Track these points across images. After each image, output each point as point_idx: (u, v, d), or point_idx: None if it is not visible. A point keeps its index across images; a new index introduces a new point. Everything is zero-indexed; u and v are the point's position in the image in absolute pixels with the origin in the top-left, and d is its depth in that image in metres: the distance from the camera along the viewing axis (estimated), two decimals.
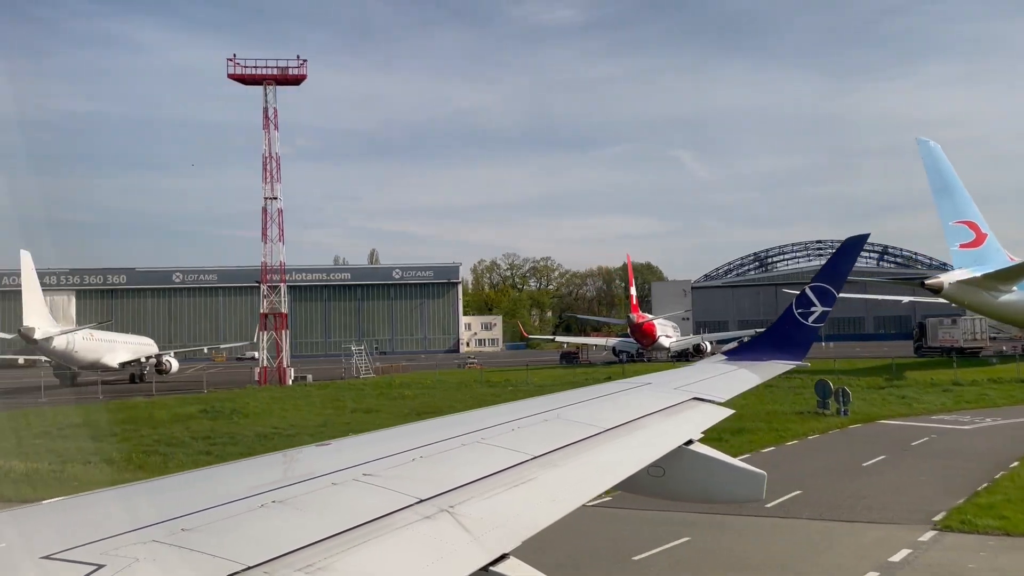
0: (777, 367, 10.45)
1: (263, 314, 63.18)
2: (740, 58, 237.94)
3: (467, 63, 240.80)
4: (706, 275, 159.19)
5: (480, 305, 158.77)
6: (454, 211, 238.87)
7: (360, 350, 68.55)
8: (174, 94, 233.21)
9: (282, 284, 63.60)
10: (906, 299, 72.22)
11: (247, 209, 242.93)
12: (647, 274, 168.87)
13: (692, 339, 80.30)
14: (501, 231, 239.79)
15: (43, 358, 61.24)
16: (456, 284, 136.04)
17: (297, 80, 63.20)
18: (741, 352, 11.48)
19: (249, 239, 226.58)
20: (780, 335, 11.26)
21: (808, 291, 11.17)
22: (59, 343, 55.07)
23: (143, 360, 63.23)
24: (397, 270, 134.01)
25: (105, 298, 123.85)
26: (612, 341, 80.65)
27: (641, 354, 74.97)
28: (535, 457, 4.39)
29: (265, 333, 62.33)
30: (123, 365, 61.79)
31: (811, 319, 11.02)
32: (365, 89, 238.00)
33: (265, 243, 62.27)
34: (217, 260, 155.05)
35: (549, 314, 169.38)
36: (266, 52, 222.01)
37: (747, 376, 9.36)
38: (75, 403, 43.82)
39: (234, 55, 62.28)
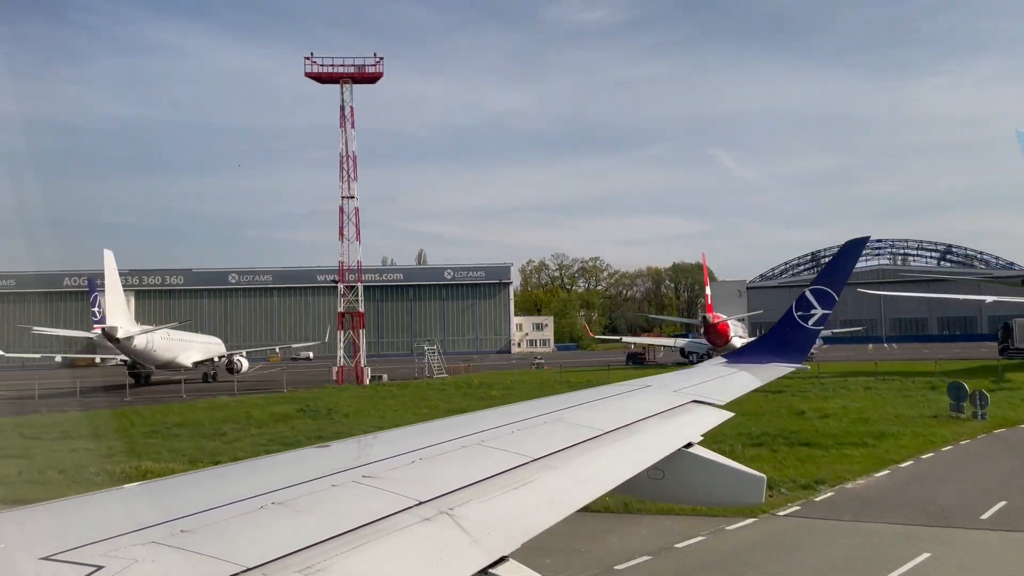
0: (777, 370, 10.45)
1: (340, 313, 62.68)
2: (780, 56, 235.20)
3: (506, 65, 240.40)
4: (761, 275, 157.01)
5: (528, 306, 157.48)
6: (493, 213, 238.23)
7: (433, 349, 67.99)
8: (217, 98, 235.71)
9: (359, 283, 63.00)
10: (989, 299, 68.26)
11: (298, 211, 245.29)
12: (698, 274, 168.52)
13: None
14: (540, 232, 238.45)
15: (118, 358, 61.66)
16: (507, 284, 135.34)
17: (374, 78, 62.46)
18: (741, 355, 11.49)
19: (301, 240, 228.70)
20: (780, 338, 11.27)
21: (808, 294, 11.18)
22: (139, 342, 55.37)
23: (216, 360, 63.37)
24: (448, 270, 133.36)
25: (163, 298, 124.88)
26: (681, 342, 78.32)
27: (711, 355, 72.43)
28: (535, 459, 4.39)
29: (342, 332, 61.78)
30: (196, 364, 61.95)
31: (811, 322, 11.02)
32: (405, 92, 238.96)
33: (342, 242, 61.67)
34: (271, 261, 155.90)
35: (595, 315, 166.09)
36: (303, 56, 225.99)
37: (747, 379, 9.36)
38: (162, 402, 43.79)
39: (311, 53, 61.75)
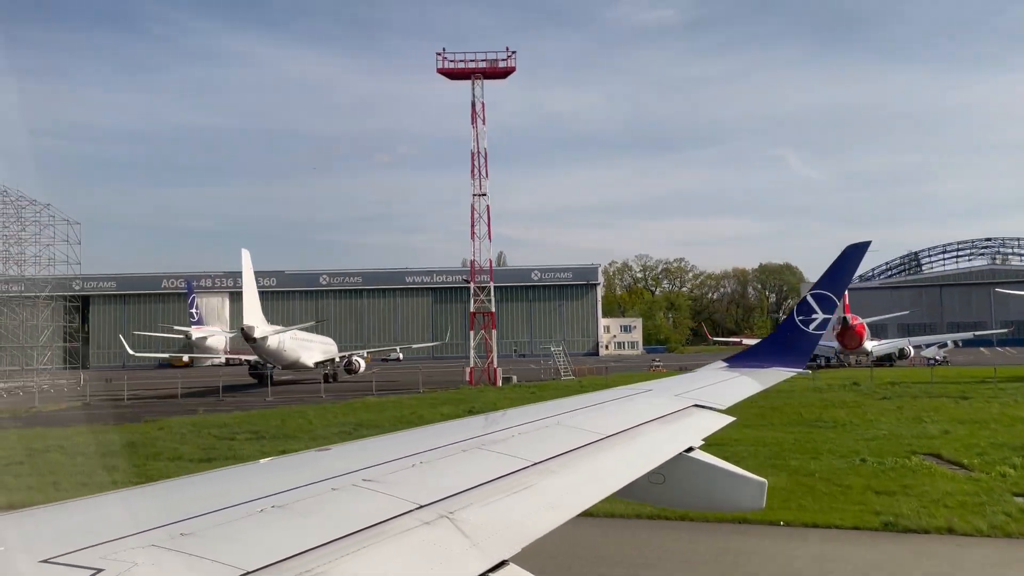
0: (779, 374, 10.45)
1: (472, 313, 62.24)
2: (848, 52, 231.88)
3: (566, 66, 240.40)
4: (860, 276, 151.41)
5: (611, 308, 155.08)
6: (554, 214, 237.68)
7: (559, 350, 67.28)
8: (286, 106, 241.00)
9: (490, 283, 62.13)
10: None
11: (361, 214, 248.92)
12: (787, 275, 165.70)
13: (896, 343, 74.24)
14: (601, 234, 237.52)
15: (213, 358, 61.43)
16: (595, 286, 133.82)
17: (506, 72, 61.66)
18: (742, 359, 11.49)
19: (368, 244, 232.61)
20: (782, 342, 11.28)
21: (809, 298, 11.18)
22: (272, 342, 55.67)
23: (337, 360, 63.59)
24: (536, 271, 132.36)
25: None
26: None
27: (839, 358, 69.55)
28: (535, 463, 4.39)
29: (474, 332, 61.35)
30: (317, 364, 62.07)
31: (812, 326, 11.03)
32: (463, 96, 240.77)
33: (473, 241, 61.04)
34: (360, 263, 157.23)
35: (669, 317, 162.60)
36: (372, 63, 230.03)
37: (748, 383, 9.36)
38: (306, 402, 43.58)
39: (443, 49, 61.28)
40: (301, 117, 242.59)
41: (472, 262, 61.75)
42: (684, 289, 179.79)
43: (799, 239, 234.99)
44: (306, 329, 65.73)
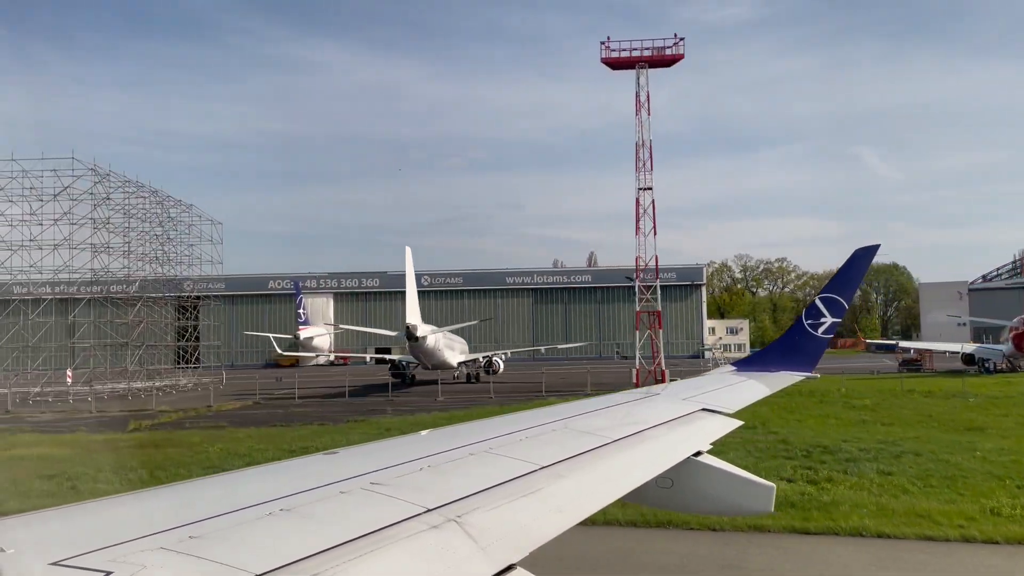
0: (787, 378, 10.42)
1: (638, 312, 60.54)
2: (927, 48, 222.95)
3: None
4: (984, 276, 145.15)
5: (711, 309, 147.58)
6: (624, 216, 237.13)
7: (719, 350, 65.78)
8: (358, 111, 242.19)
9: (656, 281, 60.16)
10: None
11: (431, 218, 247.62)
12: (895, 274, 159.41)
13: None
14: (672, 235, 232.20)
15: (320, 357, 60.34)
16: (699, 286, 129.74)
17: (672, 60, 59.49)
18: (751, 363, 11.46)
19: (438, 247, 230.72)
20: (790, 346, 11.24)
21: (818, 302, 11.14)
22: (430, 341, 55.01)
23: (480, 360, 63.32)
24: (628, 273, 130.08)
25: (359, 301, 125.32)
26: (970, 347, 69.23)
27: (1011, 362, 63.87)
28: (543, 467, 4.39)
29: (640, 333, 59.55)
30: (460, 365, 61.81)
31: (821, 330, 10.99)
32: (533, 98, 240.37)
33: (638, 237, 58.99)
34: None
35: (762, 319, 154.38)
36: (440, 68, 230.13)
37: (757, 387, 9.33)
38: (477, 404, 42.35)
39: (608, 38, 60.02)
40: (372, 122, 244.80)
41: (637, 259, 58.95)
42: (787, 290, 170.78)
43: (879, 239, 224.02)
44: (455, 331, 65.12)
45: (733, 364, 11.84)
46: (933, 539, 14.36)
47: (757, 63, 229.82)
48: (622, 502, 4.67)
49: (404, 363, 60.77)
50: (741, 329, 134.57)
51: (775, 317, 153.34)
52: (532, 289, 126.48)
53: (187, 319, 73.77)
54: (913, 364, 71.91)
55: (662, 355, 57.97)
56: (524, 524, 3.56)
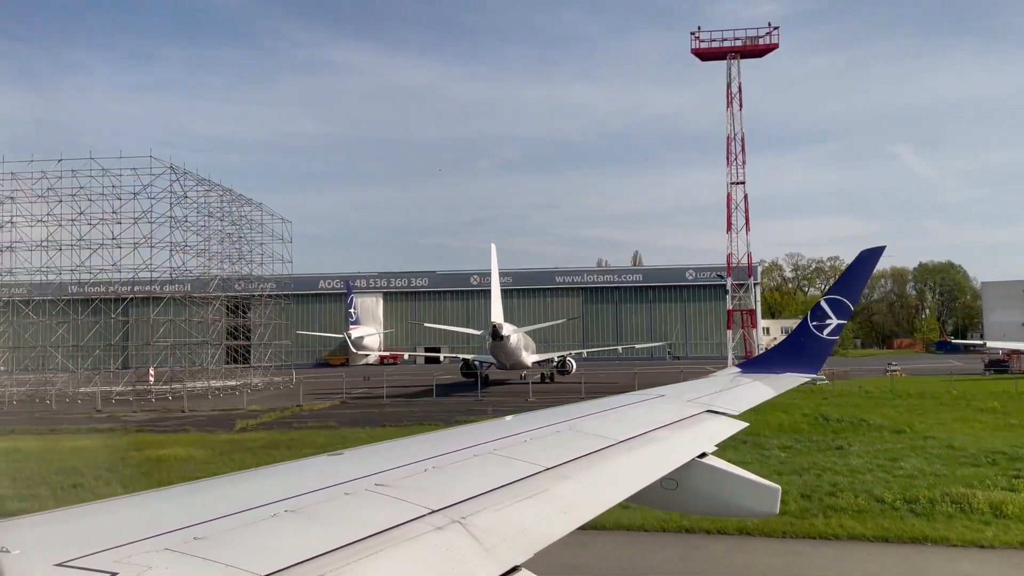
0: (792, 380, 10.39)
1: (730, 311, 59.63)
2: (968, 41, 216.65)
3: (665, 66, 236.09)
4: None
5: (761, 308, 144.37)
6: (656, 216, 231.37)
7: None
8: (390, 112, 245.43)
9: (749, 280, 59.69)
10: None
11: (463, 219, 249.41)
12: (950, 273, 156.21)
13: None
14: (703, 235, 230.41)
15: (369, 357, 59.70)
16: (755, 285, 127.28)
17: (765, 50, 58.09)
18: (756, 364, 11.43)
19: (467, 248, 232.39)
20: (796, 348, 11.21)
21: (823, 304, 11.11)
22: (513, 340, 54.51)
23: (554, 359, 62.62)
24: (690, 271, 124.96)
25: (408, 300, 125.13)
26: None
27: None
28: (547, 469, 4.38)
29: (732, 332, 58.65)
30: (534, 364, 61.40)
31: (826, 332, 10.96)
32: (562, 99, 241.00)
33: (729, 234, 57.88)
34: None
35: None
36: (470, 68, 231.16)
37: (762, 389, 9.31)
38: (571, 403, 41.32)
39: (698, 28, 59.11)
40: (406, 123, 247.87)
41: (729, 256, 57.53)
42: None
43: (918, 238, 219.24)
44: (528, 332, 64.34)
45: (738, 365, 11.81)
46: None
47: (789, 60, 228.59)
48: (626, 504, 4.66)
49: (478, 362, 59.94)
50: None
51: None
52: (582, 288, 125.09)
53: (246, 318, 73.74)
54: (1000, 365, 67.32)
55: (756, 353, 55.85)
56: (529, 525, 3.56)
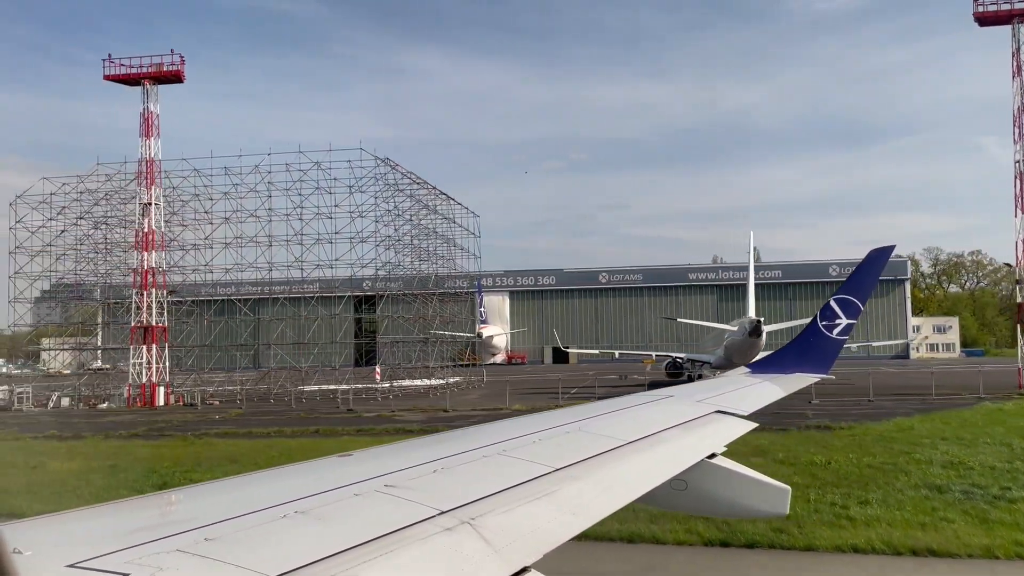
0: (802, 380, 10.35)
1: (1021, 304, 54.89)
2: None
3: (737, 62, 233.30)
4: None
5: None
6: (728, 214, 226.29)
7: None
8: (460, 115, 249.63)
9: None
10: None
11: (531, 219, 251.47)
12: None
13: None
14: (778, 233, 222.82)
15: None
16: (903, 281, 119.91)
17: None
18: (765, 365, 11.39)
19: (533, 249, 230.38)
20: (805, 348, 11.16)
21: (833, 303, 11.07)
22: (763, 338, 50.91)
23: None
24: (834, 266, 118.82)
25: (534, 299, 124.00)
26: None
27: None
28: (557, 470, 4.37)
29: (1021, 328, 53.76)
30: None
31: (836, 331, 10.91)
32: (633, 97, 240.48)
33: (1017, 217, 50.54)
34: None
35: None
36: (540, 72, 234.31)
37: (771, 389, 9.28)
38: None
39: None
40: (473, 126, 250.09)
41: (1018, 243, 50.90)
42: (982, 285, 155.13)
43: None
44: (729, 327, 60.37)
45: (747, 366, 11.77)
46: None
47: (867, 52, 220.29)
48: (634, 505, 4.65)
49: (691, 361, 57.08)
50: (950, 327, 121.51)
51: (981, 315, 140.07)
52: (717, 285, 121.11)
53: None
54: None
55: None
56: (538, 526, 3.55)
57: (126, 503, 3.46)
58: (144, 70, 56.84)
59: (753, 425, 7.13)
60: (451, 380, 62.00)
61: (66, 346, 70.60)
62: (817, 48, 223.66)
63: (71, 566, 2.39)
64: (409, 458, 4.44)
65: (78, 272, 64.64)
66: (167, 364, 57.85)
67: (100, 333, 72.65)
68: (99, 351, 70.81)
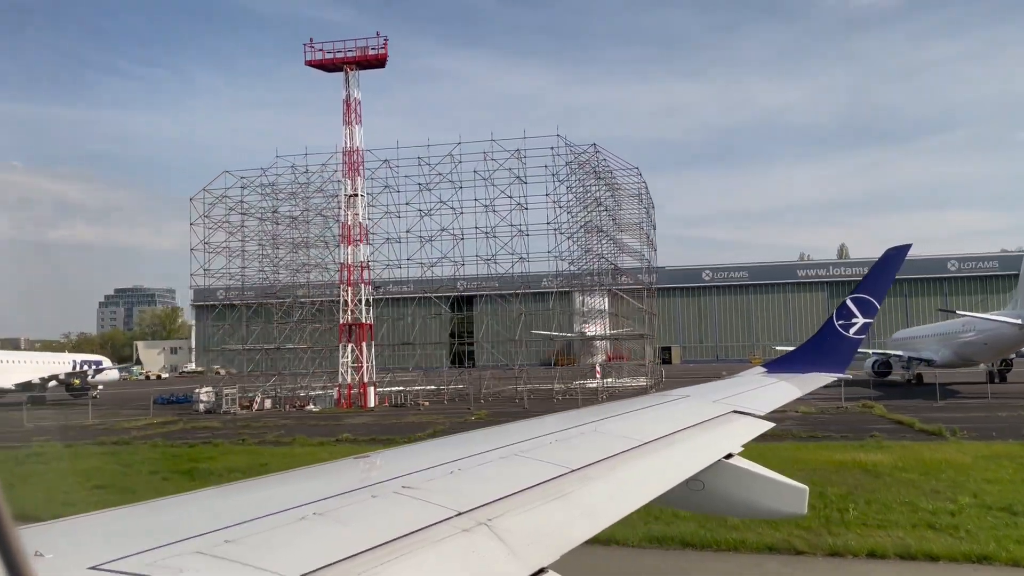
0: (818, 380, 10.29)
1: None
2: None
3: (775, 61, 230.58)
4: None
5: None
6: (765, 213, 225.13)
7: None
8: (493, 118, 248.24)
9: None
10: None
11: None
12: None
13: None
14: (818, 232, 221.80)
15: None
16: None
17: None
18: (781, 364, 11.34)
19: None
20: (821, 347, 11.10)
21: (849, 302, 11.01)
22: None
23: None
24: (952, 261, 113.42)
25: (634, 297, 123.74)
26: None
27: None
28: (573, 470, 4.37)
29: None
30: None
31: (852, 331, 10.85)
32: (669, 99, 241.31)
33: None
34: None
35: None
36: (578, 75, 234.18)
37: (787, 389, 9.23)
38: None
39: None
40: (508, 130, 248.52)
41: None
42: None
43: None
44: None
45: (763, 365, 11.72)
46: None
47: (907, 49, 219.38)
48: (652, 505, 4.64)
49: (909, 358, 53.33)
50: None
51: None
52: (827, 282, 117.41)
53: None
54: None
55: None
56: (555, 527, 3.55)
57: (146, 505, 3.49)
58: (347, 55, 55.41)
59: (770, 425, 7.09)
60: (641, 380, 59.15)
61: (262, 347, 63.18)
62: (855, 45, 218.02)
63: (92, 568, 2.41)
64: (426, 459, 4.45)
65: (262, 270, 62.13)
66: (374, 363, 55.74)
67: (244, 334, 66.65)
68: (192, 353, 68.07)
